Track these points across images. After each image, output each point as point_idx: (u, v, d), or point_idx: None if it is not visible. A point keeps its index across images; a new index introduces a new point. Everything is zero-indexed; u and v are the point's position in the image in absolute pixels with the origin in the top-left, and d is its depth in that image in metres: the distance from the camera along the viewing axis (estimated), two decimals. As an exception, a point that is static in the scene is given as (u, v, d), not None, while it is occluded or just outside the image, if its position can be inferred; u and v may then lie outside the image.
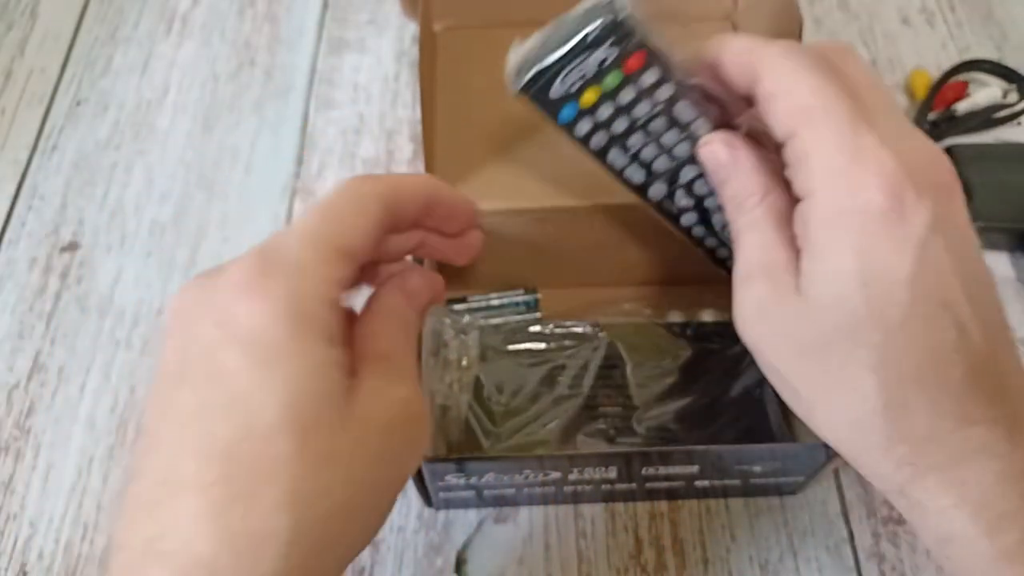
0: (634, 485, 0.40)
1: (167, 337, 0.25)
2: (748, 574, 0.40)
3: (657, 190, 0.32)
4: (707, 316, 0.43)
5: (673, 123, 0.29)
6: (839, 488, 0.42)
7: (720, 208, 0.29)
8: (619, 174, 0.32)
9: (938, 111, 0.54)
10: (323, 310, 0.24)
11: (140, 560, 0.22)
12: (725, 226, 0.33)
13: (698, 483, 0.40)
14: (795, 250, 0.26)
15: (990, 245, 0.49)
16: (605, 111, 0.29)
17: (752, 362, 0.28)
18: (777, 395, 0.27)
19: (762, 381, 0.34)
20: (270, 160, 0.55)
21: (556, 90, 0.28)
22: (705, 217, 0.33)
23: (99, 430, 0.45)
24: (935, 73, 0.56)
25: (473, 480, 0.38)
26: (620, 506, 0.42)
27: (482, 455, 0.38)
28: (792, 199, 0.26)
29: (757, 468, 0.39)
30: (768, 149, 0.28)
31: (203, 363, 0.23)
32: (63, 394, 0.46)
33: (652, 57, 0.28)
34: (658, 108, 0.29)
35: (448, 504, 0.41)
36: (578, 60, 0.27)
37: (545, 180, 0.41)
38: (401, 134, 0.56)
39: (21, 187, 0.54)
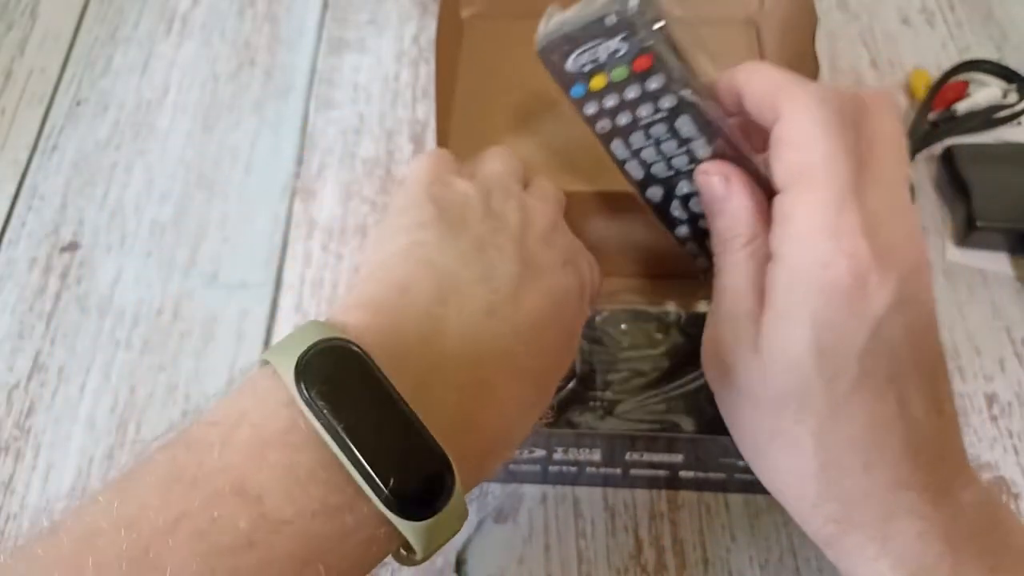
0: (619, 471, 0.40)
1: None
2: (748, 574, 0.40)
3: (654, 193, 0.33)
4: (702, 307, 0.43)
5: (674, 134, 0.30)
6: (839, 488, 0.42)
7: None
8: (621, 165, 0.32)
9: (938, 111, 0.54)
10: None
11: None
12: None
13: (683, 474, 0.40)
14: (763, 304, 0.26)
15: (990, 245, 0.49)
16: (610, 100, 0.30)
17: None
18: None
19: None
20: (270, 160, 0.55)
21: (571, 64, 0.29)
22: (698, 234, 0.33)
23: (99, 430, 0.45)
24: (935, 73, 0.56)
25: None
26: (620, 506, 0.42)
27: None
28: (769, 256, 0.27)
29: (741, 462, 0.39)
30: (765, 192, 0.28)
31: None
32: (63, 394, 0.46)
33: (660, 63, 0.28)
34: (660, 115, 0.29)
35: None
36: (593, 42, 0.28)
37: (551, 167, 0.42)
38: (401, 134, 0.56)
39: (21, 187, 0.54)
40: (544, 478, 0.42)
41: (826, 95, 0.26)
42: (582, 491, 0.43)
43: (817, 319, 0.24)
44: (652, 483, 0.42)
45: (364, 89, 0.58)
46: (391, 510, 0.21)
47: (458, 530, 0.23)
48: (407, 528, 0.21)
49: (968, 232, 0.48)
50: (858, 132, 0.26)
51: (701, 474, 0.40)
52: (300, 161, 0.55)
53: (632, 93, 0.29)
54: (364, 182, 0.54)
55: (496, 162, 0.33)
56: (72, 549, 0.19)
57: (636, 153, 0.31)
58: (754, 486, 0.41)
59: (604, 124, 0.31)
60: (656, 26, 0.27)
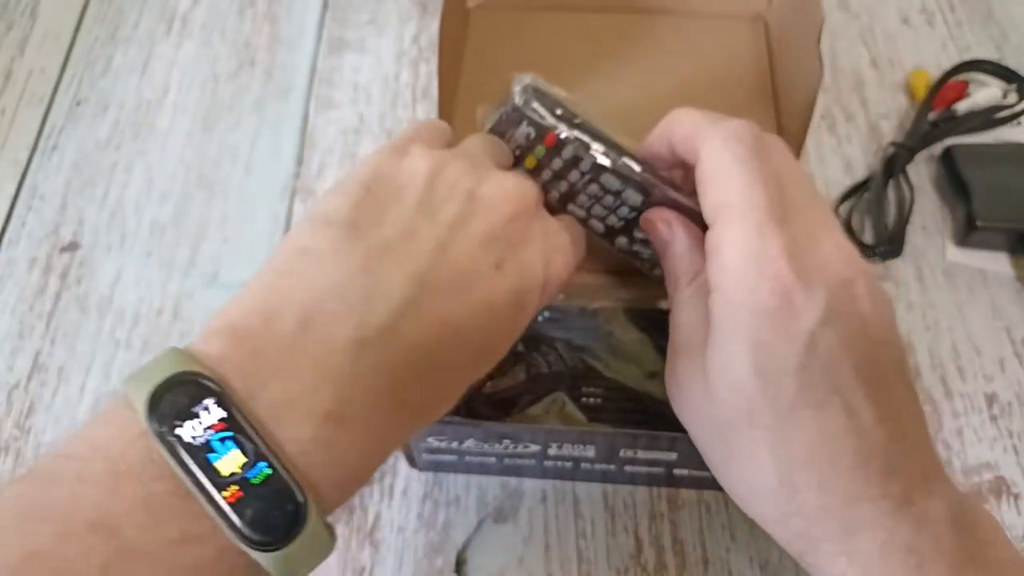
0: (613, 467, 0.40)
1: None
2: (748, 574, 0.40)
3: (621, 241, 0.35)
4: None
5: (606, 191, 0.32)
6: (839, 488, 0.42)
7: None
8: (584, 223, 0.34)
9: (938, 111, 0.54)
10: None
11: None
12: None
13: (677, 471, 0.40)
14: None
15: (990, 245, 0.49)
16: (546, 174, 0.33)
17: None
18: None
19: None
20: (270, 160, 0.55)
21: (510, 148, 0.33)
22: None
23: (99, 430, 0.45)
24: (935, 73, 0.56)
25: (455, 444, 0.39)
26: (620, 506, 0.42)
27: (461, 420, 0.38)
28: None
29: None
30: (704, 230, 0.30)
31: None
32: (63, 394, 0.46)
33: (564, 138, 0.32)
34: (587, 177, 0.32)
35: (434, 467, 0.42)
36: (511, 131, 0.32)
37: None
38: (401, 134, 0.56)
39: (21, 187, 0.54)
40: (541, 473, 0.42)
41: (737, 131, 0.27)
42: (582, 491, 0.43)
43: (751, 341, 0.25)
44: (648, 480, 0.42)
45: (364, 89, 0.58)
46: (242, 541, 0.21)
47: (325, 556, 0.23)
48: (262, 558, 0.22)
49: (968, 232, 0.48)
50: (769, 164, 0.27)
51: (696, 472, 0.40)
52: (300, 161, 0.55)
53: (557, 164, 0.32)
54: (364, 182, 0.54)
55: (476, 142, 0.32)
56: None
57: (588, 211, 0.34)
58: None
59: (553, 193, 0.33)
60: (542, 111, 0.32)
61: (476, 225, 0.28)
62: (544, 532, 0.42)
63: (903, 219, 0.50)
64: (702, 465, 0.39)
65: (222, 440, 0.21)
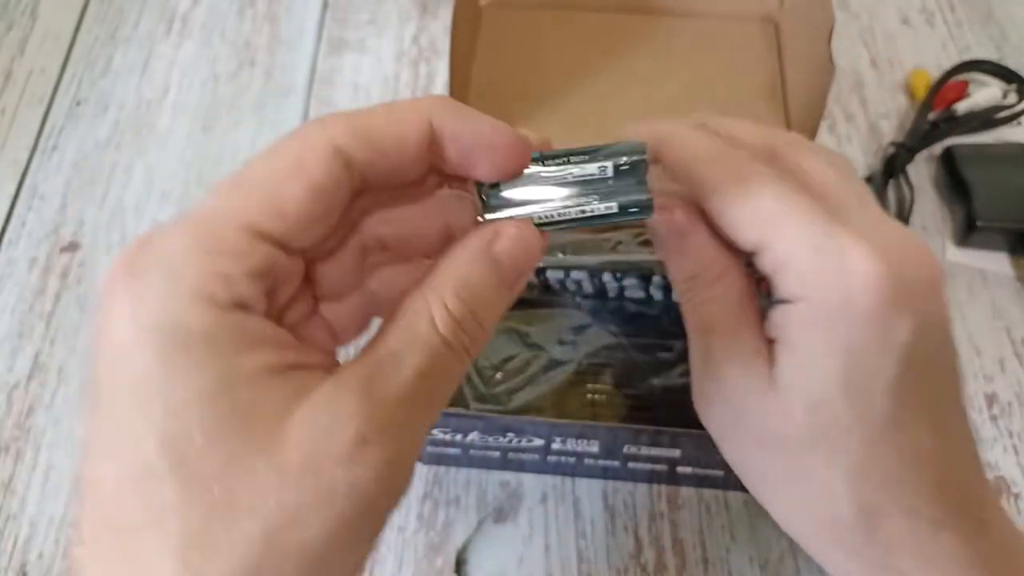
0: (617, 463, 0.40)
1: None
2: (748, 574, 0.40)
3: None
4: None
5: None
6: (839, 488, 0.42)
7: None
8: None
9: (938, 111, 0.54)
10: (211, 314, 0.18)
11: None
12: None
13: (680, 469, 0.40)
14: (766, 340, 0.25)
15: (990, 245, 0.49)
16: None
17: None
18: None
19: None
20: (270, 160, 0.55)
21: None
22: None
23: (99, 430, 0.45)
24: (935, 73, 0.56)
25: (459, 437, 0.39)
26: (620, 506, 0.42)
27: (465, 411, 0.38)
28: (749, 285, 0.25)
29: None
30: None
31: (91, 381, 0.19)
32: (63, 394, 0.46)
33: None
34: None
35: (437, 460, 0.42)
36: None
37: None
38: (401, 134, 0.56)
39: (21, 187, 0.54)
40: (544, 468, 0.42)
41: (735, 155, 0.25)
42: (582, 490, 0.43)
43: (844, 355, 0.23)
44: (651, 477, 0.42)
45: (364, 89, 0.58)
46: None
47: None
48: None
49: (968, 232, 0.48)
50: (791, 172, 0.25)
51: (700, 470, 0.40)
52: (300, 161, 0.55)
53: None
54: (364, 182, 0.54)
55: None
56: None
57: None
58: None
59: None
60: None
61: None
62: (544, 532, 0.42)
63: (903, 219, 0.50)
64: (705, 463, 0.40)
65: None
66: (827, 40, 0.40)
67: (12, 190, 0.54)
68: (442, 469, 0.43)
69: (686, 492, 0.42)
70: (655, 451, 0.39)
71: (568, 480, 0.43)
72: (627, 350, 0.41)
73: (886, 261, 0.22)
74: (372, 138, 0.20)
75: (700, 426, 0.36)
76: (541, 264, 0.44)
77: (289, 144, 0.20)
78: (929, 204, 0.51)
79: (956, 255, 0.49)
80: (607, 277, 0.41)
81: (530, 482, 0.43)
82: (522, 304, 0.42)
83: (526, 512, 0.42)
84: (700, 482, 0.42)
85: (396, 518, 0.42)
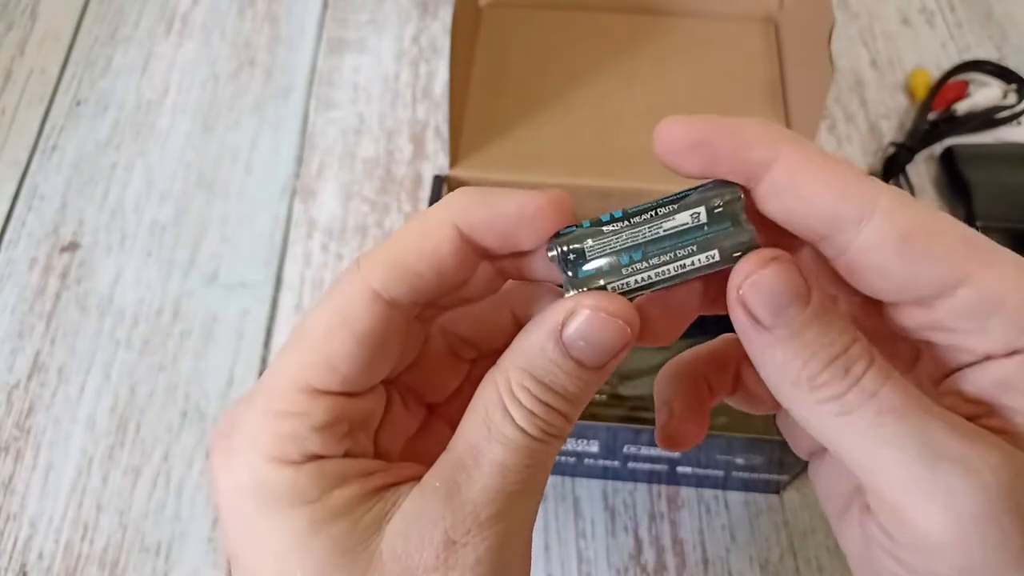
0: (617, 463, 0.40)
1: None
2: (748, 574, 0.40)
3: None
4: None
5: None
6: (839, 488, 0.42)
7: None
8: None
9: (938, 111, 0.54)
10: (288, 471, 0.19)
11: None
12: None
13: (680, 469, 0.40)
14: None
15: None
16: None
17: None
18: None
19: None
20: (270, 160, 0.55)
21: None
22: None
23: (99, 430, 0.45)
24: (935, 73, 0.56)
25: None
26: (620, 506, 0.42)
27: None
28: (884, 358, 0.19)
29: (740, 460, 0.39)
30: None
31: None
32: (63, 394, 0.46)
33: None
34: None
35: None
36: None
37: (564, 159, 0.43)
38: (401, 134, 0.56)
39: (21, 187, 0.54)
40: None
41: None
42: (582, 490, 0.43)
43: None
44: (651, 477, 0.42)
45: (364, 89, 0.58)
46: None
47: None
48: None
49: (968, 232, 0.48)
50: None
51: (700, 470, 0.40)
52: (300, 161, 0.55)
53: None
54: (364, 182, 0.54)
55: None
56: None
57: None
58: (752, 484, 0.41)
59: None
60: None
61: None
62: (544, 532, 0.41)
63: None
64: (706, 463, 0.40)
65: None
66: (827, 40, 0.40)
67: (12, 190, 0.54)
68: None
69: (686, 492, 0.42)
70: (655, 451, 0.39)
71: (568, 480, 0.43)
72: None
73: None
74: (407, 268, 0.20)
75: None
76: None
77: (331, 297, 0.20)
78: (929, 204, 0.51)
79: (956, 255, 0.49)
80: None
81: (530, 482, 0.43)
82: None
83: (526, 512, 0.42)
84: (700, 482, 0.42)
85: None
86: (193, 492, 0.43)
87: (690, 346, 0.25)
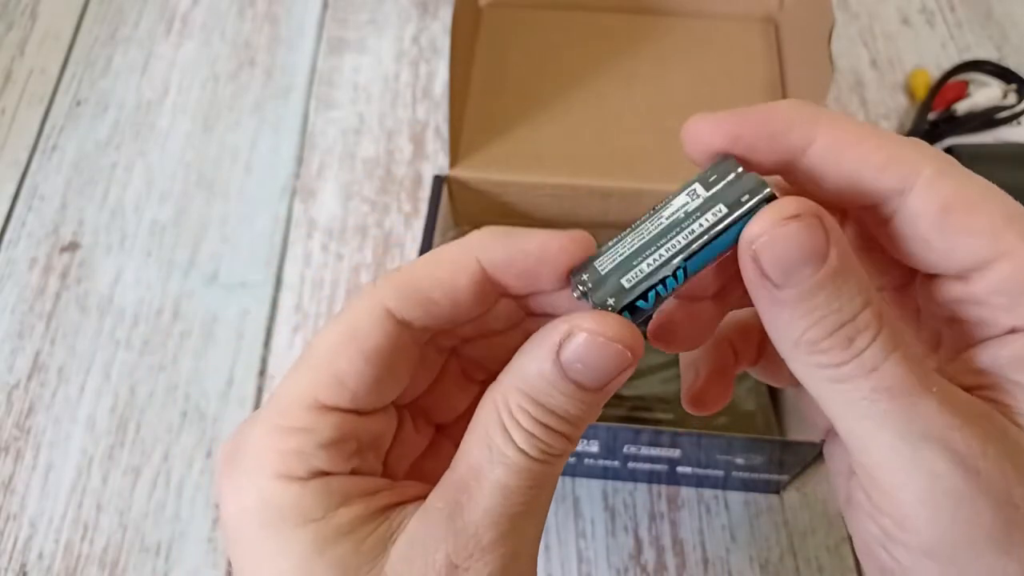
0: (617, 463, 0.40)
1: None
2: (748, 574, 0.40)
3: None
4: None
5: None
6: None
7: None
8: None
9: (938, 111, 0.54)
10: (294, 488, 0.19)
11: None
12: None
13: (680, 469, 0.40)
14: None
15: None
16: None
17: None
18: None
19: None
20: (270, 160, 0.55)
21: None
22: None
23: (99, 430, 0.45)
24: (935, 73, 0.56)
25: None
26: (620, 506, 0.42)
27: None
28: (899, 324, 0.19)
29: (740, 460, 0.39)
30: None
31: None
32: (63, 394, 0.46)
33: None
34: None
35: None
36: None
37: (564, 158, 0.43)
38: (401, 134, 0.56)
39: (21, 187, 0.54)
40: None
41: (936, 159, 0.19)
42: (582, 490, 0.43)
43: None
44: (651, 477, 0.42)
45: (364, 89, 0.58)
46: None
47: None
48: None
49: (968, 232, 0.48)
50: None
51: (700, 470, 0.40)
52: (300, 161, 0.55)
53: None
54: (364, 182, 0.54)
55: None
56: None
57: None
58: (752, 484, 0.41)
59: None
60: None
61: None
62: (544, 532, 0.41)
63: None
64: (706, 463, 0.40)
65: None
66: (827, 40, 0.40)
67: (12, 190, 0.54)
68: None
69: (686, 492, 0.43)
70: (655, 451, 0.39)
71: (568, 480, 0.43)
72: None
73: None
74: (421, 292, 0.20)
75: (700, 426, 0.36)
76: None
77: (344, 314, 0.20)
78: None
79: (956, 255, 0.49)
80: None
81: (530, 482, 0.43)
82: None
83: (526, 512, 0.42)
84: (700, 482, 0.42)
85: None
86: (193, 492, 0.43)
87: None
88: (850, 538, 0.41)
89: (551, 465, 0.19)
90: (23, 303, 0.49)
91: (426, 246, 0.42)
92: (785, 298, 0.18)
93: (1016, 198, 0.19)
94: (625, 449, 0.39)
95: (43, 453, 0.44)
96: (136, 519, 0.43)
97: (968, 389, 0.19)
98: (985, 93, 0.54)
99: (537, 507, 0.19)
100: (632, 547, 0.41)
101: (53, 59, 0.60)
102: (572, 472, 0.42)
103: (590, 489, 0.43)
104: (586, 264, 0.20)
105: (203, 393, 0.46)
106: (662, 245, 0.19)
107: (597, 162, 0.44)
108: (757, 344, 0.24)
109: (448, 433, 0.24)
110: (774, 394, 0.43)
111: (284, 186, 0.54)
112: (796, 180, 0.19)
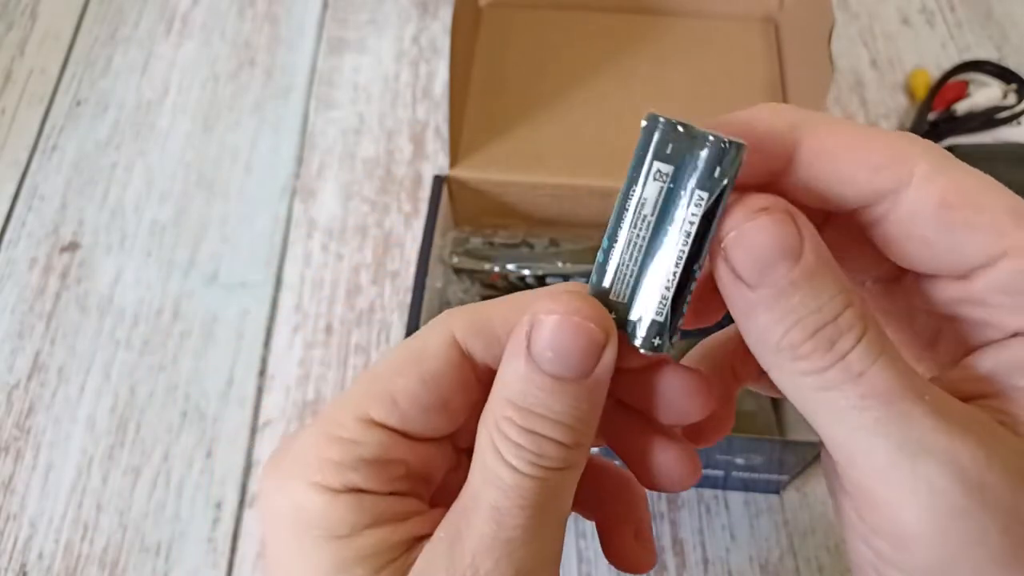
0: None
1: None
2: (748, 574, 0.40)
3: None
4: None
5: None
6: (839, 488, 0.42)
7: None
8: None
9: (938, 111, 0.54)
10: (325, 498, 0.18)
11: None
12: None
13: None
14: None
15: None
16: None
17: None
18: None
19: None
20: (270, 160, 0.55)
21: None
22: None
23: (99, 430, 0.45)
24: (935, 73, 0.56)
25: None
26: (620, 506, 0.42)
27: None
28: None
29: (740, 460, 0.39)
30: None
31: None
32: (63, 394, 0.46)
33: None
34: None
35: None
36: None
37: (563, 158, 0.43)
38: (401, 134, 0.56)
39: (21, 187, 0.54)
40: None
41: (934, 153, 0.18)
42: (582, 491, 0.43)
43: None
44: None
45: (364, 89, 0.58)
46: None
47: None
48: None
49: (968, 232, 0.48)
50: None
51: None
52: (300, 161, 0.55)
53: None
54: (364, 182, 0.54)
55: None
56: None
57: None
58: (752, 484, 0.41)
59: None
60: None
61: None
62: (544, 532, 0.42)
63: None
64: (705, 463, 0.40)
65: None
66: (827, 40, 0.40)
67: (12, 190, 0.54)
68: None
69: (686, 492, 0.42)
70: None
71: (568, 480, 0.43)
72: None
73: None
74: (491, 328, 0.19)
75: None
76: (541, 272, 0.44)
77: (416, 337, 0.20)
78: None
79: (956, 255, 0.49)
80: None
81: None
82: None
83: (526, 512, 0.42)
84: (700, 482, 0.42)
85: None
86: (193, 492, 0.43)
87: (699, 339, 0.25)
88: (847, 551, 0.41)
89: (544, 481, 0.17)
90: (23, 303, 0.49)
91: (426, 246, 0.42)
92: (760, 299, 0.16)
93: (1017, 198, 0.18)
94: None
95: (43, 453, 0.44)
96: (136, 519, 0.43)
97: (969, 397, 0.18)
98: (985, 93, 0.54)
99: (536, 533, 0.18)
100: (632, 547, 0.41)
101: (53, 59, 0.60)
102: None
103: (590, 489, 0.43)
104: (605, 301, 0.18)
105: (203, 393, 0.46)
106: (668, 257, 0.17)
107: (597, 162, 0.44)
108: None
109: None
110: (774, 394, 0.43)
111: (284, 186, 0.54)
112: (783, 189, 0.18)
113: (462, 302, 0.44)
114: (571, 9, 0.51)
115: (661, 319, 0.18)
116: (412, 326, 0.39)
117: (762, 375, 0.22)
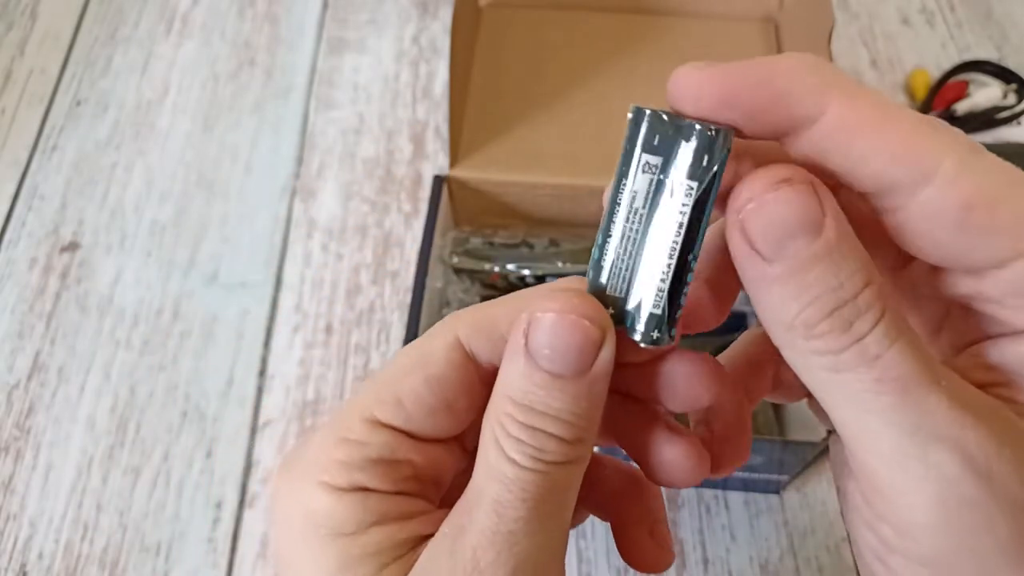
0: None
1: None
2: (748, 574, 0.40)
3: None
4: None
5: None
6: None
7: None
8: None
9: (938, 111, 0.54)
10: (331, 497, 0.19)
11: None
12: None
13: None
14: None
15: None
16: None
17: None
18: None
19: None
20: (270, 160, 0.55)
21: None
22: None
23: (99, 430, 0.45)
24: (935, 73, 0.56)
25: None
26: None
27: None
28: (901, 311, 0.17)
29: None
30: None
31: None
32: (63, 394, 0.46)
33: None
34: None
35: None
36: None
37: (563, 158, 0.43)
38: (401, 134, 0.56)
39: (21, 187, 0.54)
40: None
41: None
42: (582, 491, 0.43)
43: None
44: None
45: (364, 89, 0.58)
46: None
47: None
48: None
49: (968, 232, 0.48)
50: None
51: None
52: (300, 161, 0.55)
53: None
54: (364, 182, 0.54)
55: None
56: None
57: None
58: (752, 484, 0.41)
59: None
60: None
61: None
62: (544, 532, 0.41)
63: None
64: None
65: None
66: (827, 40, 0.40)
67: (12, 190, 0.54)
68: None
69: (686, 492, 0.42)
70: None
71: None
72: None
73: None
74: (494, 328, 0.19)
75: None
76: (541, 272, 0.44)
77: (422, 340, 0.20)
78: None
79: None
80: None
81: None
82: None
83: (526, 512, 0.42)
84: (700, 482, 0.42)
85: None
86: (193, 492, 0.43)
87: (694, 346, 0.24)
88: (850, 538, 0.41)
89: (546, 475, 0.18)
90: (23, 303, 0.49)
91: (426, 246, 0.42)
92: (776, 274, 0.16)
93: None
94: None
95: (43, 453, 0.44)
96: (136, 519, 0.43)
97: (977, 385, 0.17)
98: (985, 93, 0.54)
99: (538, 527, 0.18)
100: (632, 547, 0.41)
101: (53, 59, 0.60)
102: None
103: (590, 489, 0.43)
104: (603, 297, 0.18)
105: (203, 393, 0.46)
106: (662, 249, 0.17)
107: (597, 162, 0.44)
108: (772, 375, 0.23)
109: None
110: (774, 394, 0.43)
111: (284, 186, 0.54)
112: (792, 152, 0.17)
113: (462, 302, 0.44)
114: (571, 9, 0.51)
115: (659, 312, 0.18)
116: (412, 326, 0.39)
117: (775, 388, 0.22)
